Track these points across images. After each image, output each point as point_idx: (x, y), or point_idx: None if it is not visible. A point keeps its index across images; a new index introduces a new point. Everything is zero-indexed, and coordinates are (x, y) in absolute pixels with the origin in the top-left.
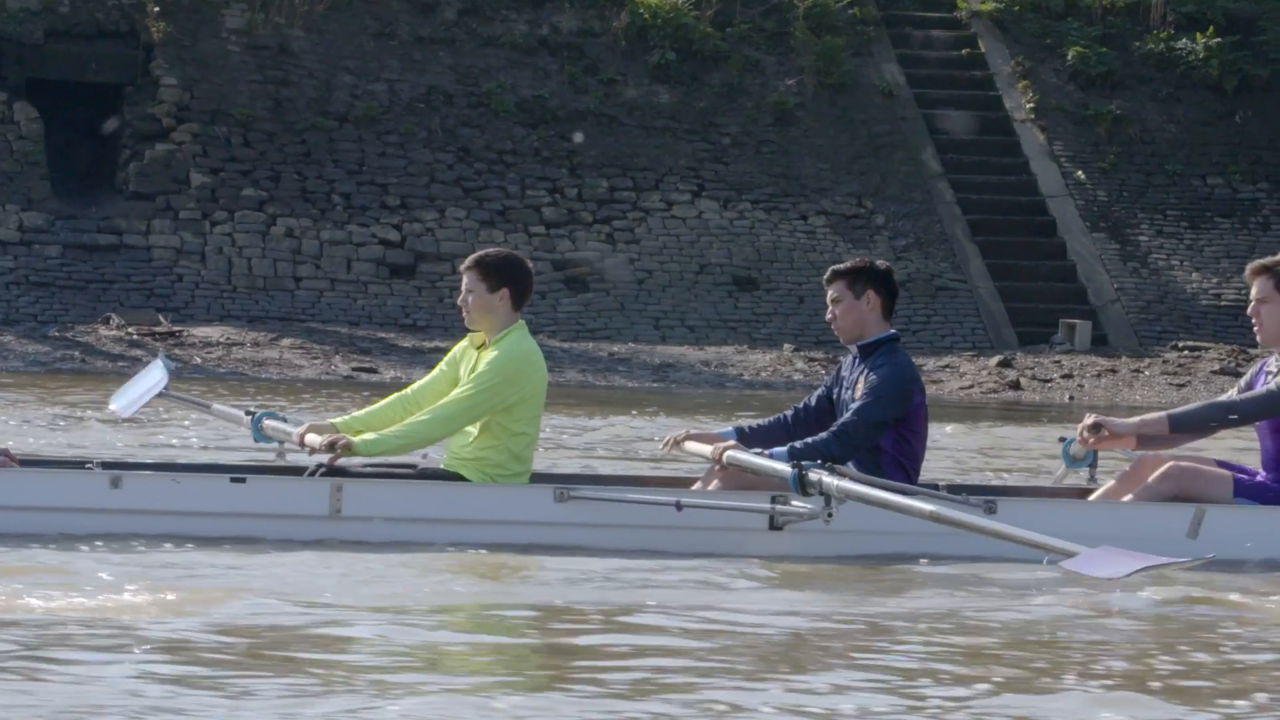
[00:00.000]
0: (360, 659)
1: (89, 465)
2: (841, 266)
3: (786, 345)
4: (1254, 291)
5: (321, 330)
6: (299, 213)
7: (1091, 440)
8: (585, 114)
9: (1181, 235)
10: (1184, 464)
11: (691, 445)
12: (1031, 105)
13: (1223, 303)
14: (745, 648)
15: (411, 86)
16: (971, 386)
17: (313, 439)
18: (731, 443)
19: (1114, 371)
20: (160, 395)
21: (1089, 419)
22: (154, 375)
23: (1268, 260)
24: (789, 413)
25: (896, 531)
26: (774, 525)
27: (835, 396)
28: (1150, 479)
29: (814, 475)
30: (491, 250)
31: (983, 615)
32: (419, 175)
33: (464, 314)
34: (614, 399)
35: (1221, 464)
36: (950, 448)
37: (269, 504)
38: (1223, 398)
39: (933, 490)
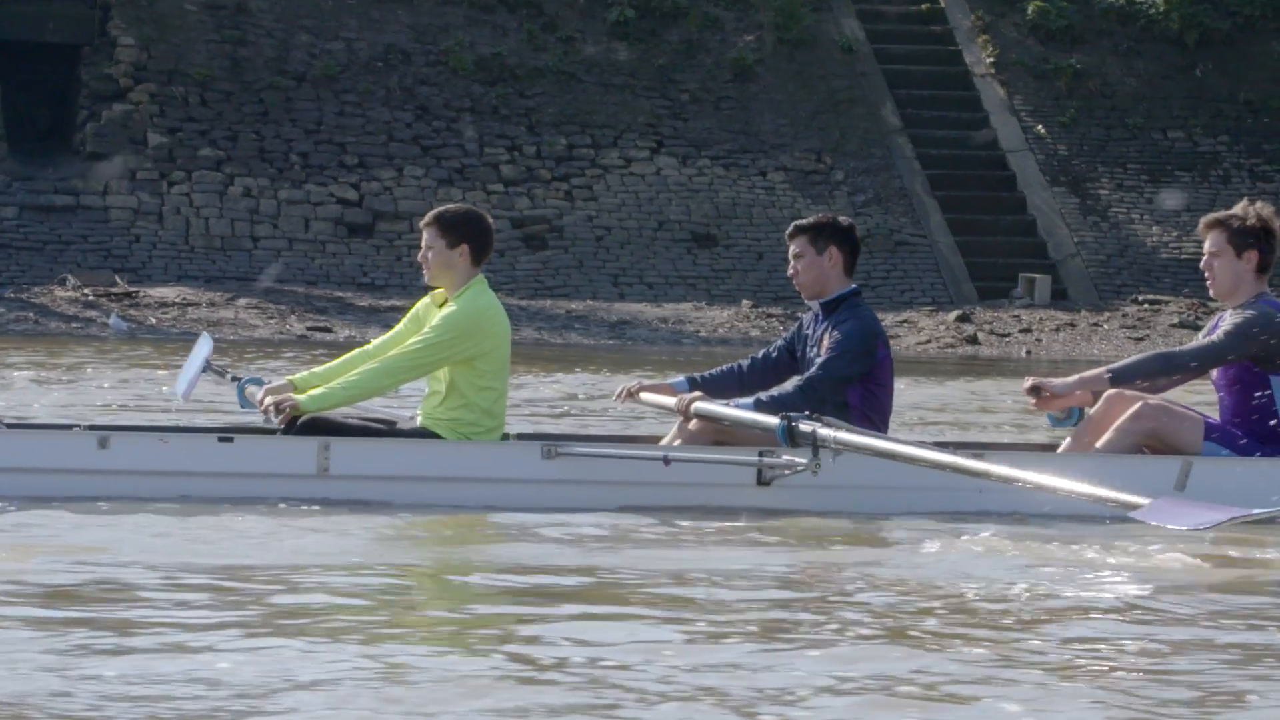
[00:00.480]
0: (346, 617)
1: (75, 427)
2: (804, 222)
3: (745, 301)
4: (1207, 245)
5: (278, 290)
6: (256, 172)
7: (1035, 402)
8: (544, 71)
9: (1142, 189)
10: (1154, 402)
11: (649, 397)
12: (991, 60)
13: (1183, 255)
14: (733, 605)
15: (369, 45)
16: (929, 341)
17: (268, 401)
18: (698, 394)
19: (1072, 325)
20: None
21: (1027, 381)
22: (202, 349)
23: (1220, 214)
24: (744, 363)
25: (886, 486)
26: (761, 480)
27: (799, 354)
28: (1122, 419)
29: (805, 426)
30: (451, 206)
31: (974, 571)
32: (377, 134)
33: (424, 270)
34: (567, 357)
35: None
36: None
37: (256, 463)
38: (1165, 350)
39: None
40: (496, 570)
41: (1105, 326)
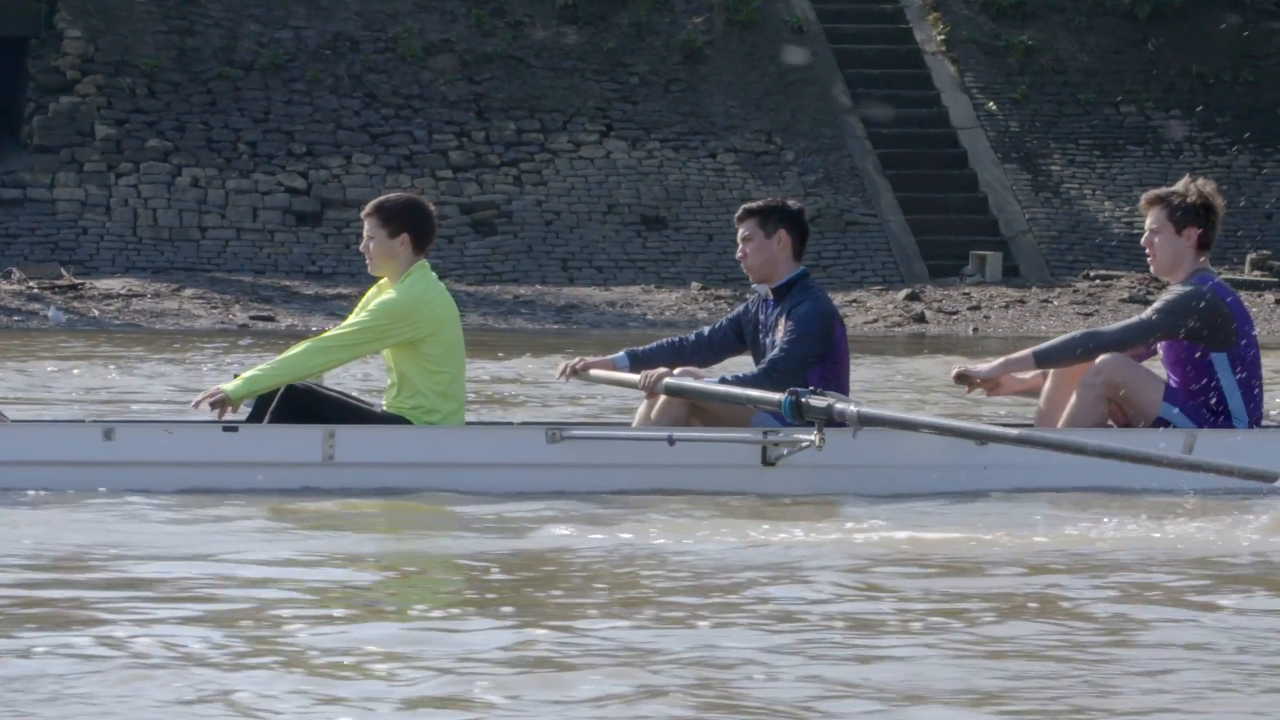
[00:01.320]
0: (352, 602)
1: (81, 421)
2: (753, 205)
3: (694, 284)
4: (1148, 222)
5: (225, 280)
6: (204, 163)
7: (968, 390)
8: (493, 56)
9: (1094, 164)
10: (1115, 357)
11: (600, 373)
12: (942, 37)
13: (1135, 230)
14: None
15: (318, 33)
16: (876, 320)
17: (197, 399)
18: (664, 370)
19: (1022, 302)
20: None
21: (954, 370)
22: None
23: (1162, 191)
24: (685, 338)
25: (891, 464)
26: (766, 460)
27: (749, 338)
28: (1085, 374)
29: (817, 401)
30: (391, 195)
31: (987, 551)
32: (325, 122)
33: (367, 261)
34: (507, 343)
35: None
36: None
37: (262, 452)
38: (1092, 329)
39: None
40: (502, 555)
41: (1055, 303)
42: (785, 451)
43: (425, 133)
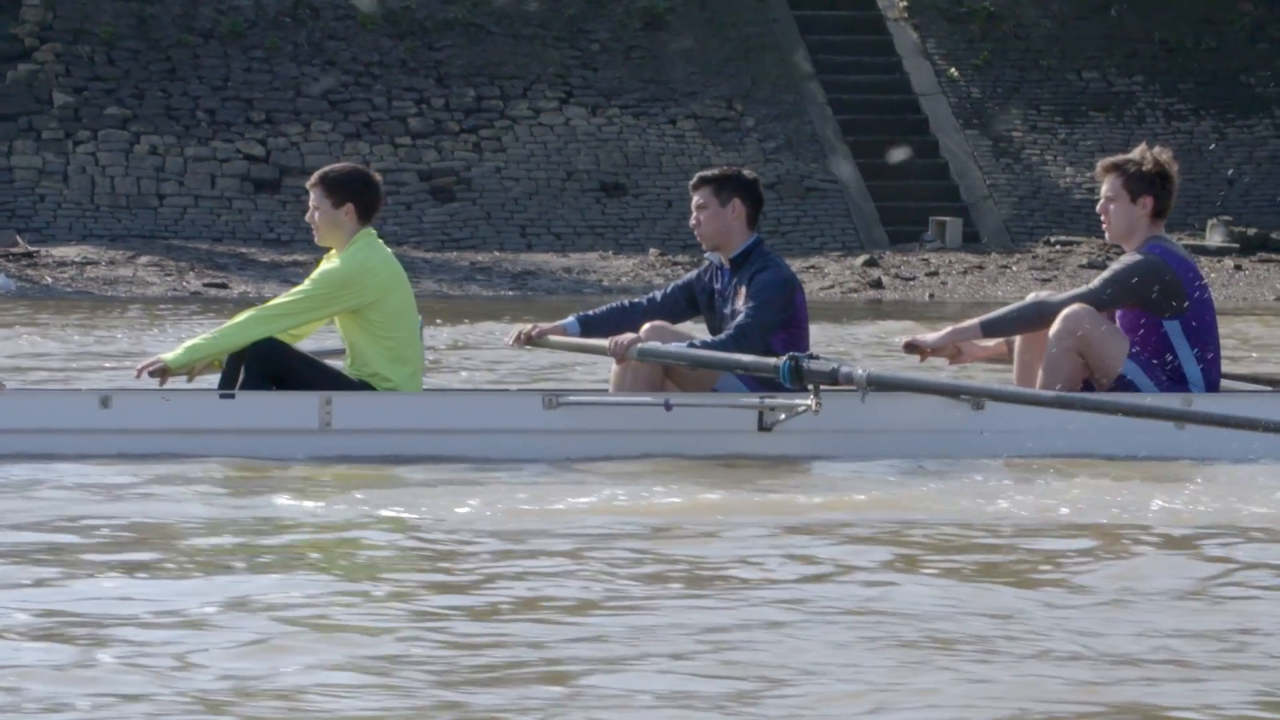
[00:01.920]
0: (352, 570)
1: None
2: (709, 173)
3: (652, 250)
4: (1104, 189)
5: (182, 247)
6: (163, 130)
7: (920, 359)
8: (453, 23)
9: (1055, 130)
10: (1080, 308)
11: (559, 339)
12: (905, 3)
13: (1096, 196)
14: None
15: (278, 0)
16: (832, 286)
17: (139, 367)
18: (636, 335)
19: (981, 268)
20: None
21: (903, 340)
22: None
23: (1118, 158)
24: (640, 302)
25: (888, 429)
26: (763, 425)
27: (705, 307)
28: (1054, 328)
29: (818, 365)
30: (336, 165)
31: (980, 516)
32: (284, 89)
33: (314, 231)
34: (458, 310)
35: None
36: None
37: (259, 419)
38: (1040, 298)
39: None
40: (498, 521)
41: (1014, 269)
42: (782, 417)
43: (385, 100)
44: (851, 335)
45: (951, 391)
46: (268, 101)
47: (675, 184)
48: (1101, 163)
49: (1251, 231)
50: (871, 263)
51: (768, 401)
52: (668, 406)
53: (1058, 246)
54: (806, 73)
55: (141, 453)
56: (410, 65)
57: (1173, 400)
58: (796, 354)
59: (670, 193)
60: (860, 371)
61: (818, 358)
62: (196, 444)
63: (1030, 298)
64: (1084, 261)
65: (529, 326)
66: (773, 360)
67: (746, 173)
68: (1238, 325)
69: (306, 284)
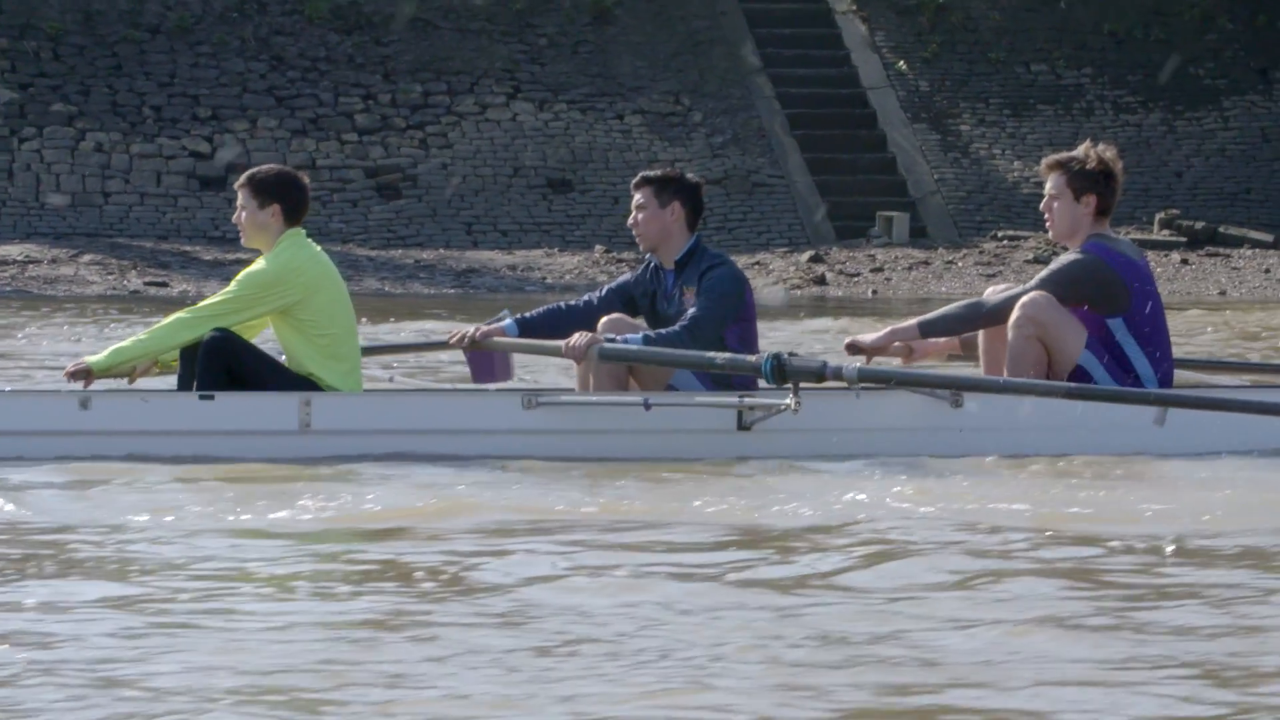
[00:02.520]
0: (330, 571)
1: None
2: (651, 173)
3: (598, 247)
4: (1048, 187)
5: (126, 245)
6: (109, 127)
7: (866, 361)
8: (400, 19)
9: (1004, 124)
10: (1039, 296)
11: (507, 340)
12: None
13: (1044, 191)
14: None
15: None
16: (776, 283)
17: (67, 369)
18: (595, 335)
19: (927, 264)
20: None
21: (845, 342)
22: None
23: (1062, 156)
24: (576, 304)
25: (867, 428)
26: (742, 425)
27: (650, 309)
28: (1013, 317)
29: (802, 363)
30: (264, 167)
31: (961, 516)
32: (231, 85)
33: (240, 233)
34: (395, 308)
35: None
36: None
37: (238, 420)
38: (977, 299)
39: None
40: (479, 522)
41: (960, 264)
42: (761, 416)
43: (331, 96)
44: (776, 330)
45: (945, 384)
46: (214, 98)
47: (622, 180)
48: (1045, 160)
49: (1199, 225)
50: (817, 259)
51: (747, 401)
52: (647, 406)
53: (1005, 241)
54: (754, 66)
55: (120, 454)
56: (358, 61)
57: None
58: (779, 351)
59: (617, 189)
60: (850, 367)
61: (798, 355)
62: (175, 445)
63: (967, 299)
64: (1030, 257)
65: (471, 329)
66: (753, 358)
67: (690, 176)
68: (1177, 321)
69: (232, 285)
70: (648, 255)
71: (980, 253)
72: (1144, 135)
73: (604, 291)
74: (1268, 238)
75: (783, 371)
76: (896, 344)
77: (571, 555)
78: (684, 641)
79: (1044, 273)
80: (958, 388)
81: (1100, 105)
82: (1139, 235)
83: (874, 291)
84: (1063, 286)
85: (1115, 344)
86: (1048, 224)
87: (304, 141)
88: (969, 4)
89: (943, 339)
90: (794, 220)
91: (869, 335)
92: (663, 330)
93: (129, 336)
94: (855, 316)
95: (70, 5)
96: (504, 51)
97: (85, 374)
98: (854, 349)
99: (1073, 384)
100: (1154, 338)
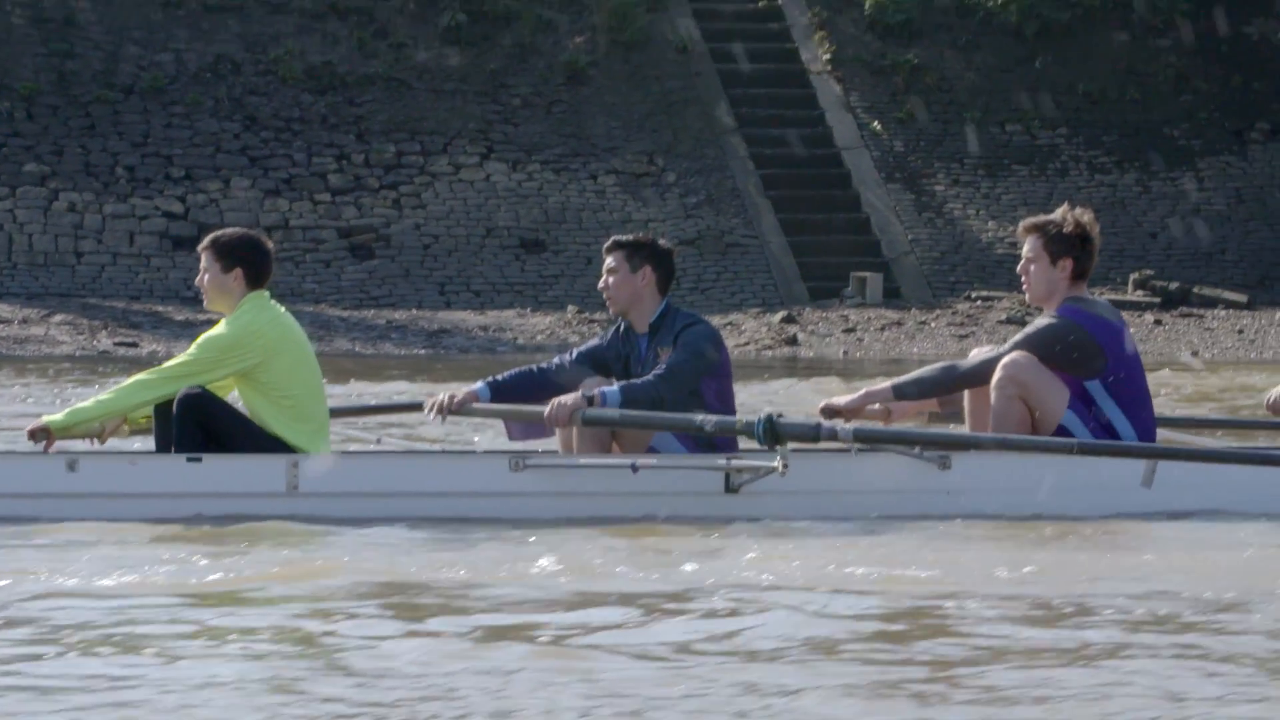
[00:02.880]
0: (316, 633)
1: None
2: (623, 238)
3: (571, 307)
4: (1025, 250)
5: (97, 305)
6: (82, 187)
7: (845, 422)
8: (374, 78)
9: (978, 184)
10: (1020, 357)
11: (486, 406)
12: (828, 56)
13: (1018, 251)
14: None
15: (199, 56)
16: (748, 344)
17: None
18: (580, 400)
19: (899, 324)
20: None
21: (820, 405)
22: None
23: (1039, 219)
24: (549, 366)
25: (855, 490)
26: (730, 487)
27: (623, 372)
28: (996, 377)
29: (795, 423)
30: (227, 230)
31: (953, 577)
32: (204, 145)
33: (203, 295)
34: (364, 368)
35: None
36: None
37: (225, 483)
38: (951, 362)
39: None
40: (466, 584)
41: (933, 325)
42: (749, 478)
43: (305, 155)
44: (760, 392)
45: (941, 444)
46: (187, 157)
47: (595, 240)
48: (1023, 223)
49: (1173, 286)
50: (789, 319)
51: (734, 463)
52: (635, 468)
53: (978, 302)
54: (729, 127)
55: (107, 516)
56: (331, 121)
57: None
58: (771, 412)
59: (590, 249)
60: (845, 428)
61: (788, 417)
62: (163, 507)
63: (942, 363)
64: (1003, 317)
65: (443, 397)
66: (743, 420)
67: (661, 242)
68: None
69: (192, 349)
70: (618, 319)
71: (953, 313)
72: (1119, 195)
73: (574, 354)
74: (1242, 298)
75: (775, 433)
76: (874, 406)
77: (553, 622)
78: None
79: (1018, 337)
80: (954, 447)
81: (1075, 165)
82: (1113, 295)
83: (845, 352)
84: (1038, 349)
85: (1095, 405)
86: (1024, 286)
87: (277, 201)
88: (944, 64)
89: (915, 402)
90: (767, 280)
91: (843, 398)
92: (635, 380)
93: (90, 397)
94: (821, 376)
95: (44, 65)
96: (477, 111)
97: (45, 434)
98: (829, 411)
99: (1075, 440)
100: (1133, 398)
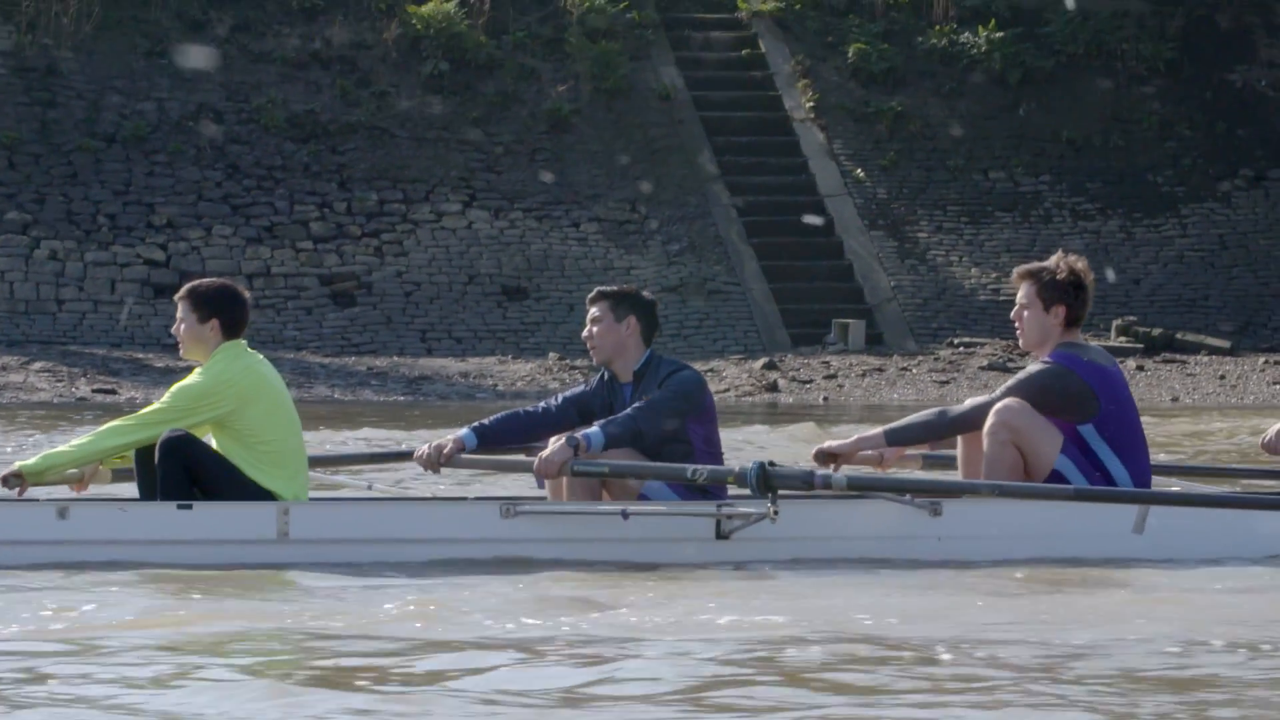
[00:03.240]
0: (307, 678)
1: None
2: (608, 289)
3: (552, 354)
4: (1019, 296)
5: (78, 353)
6: (63, 235)
7: (834, 468)
8: (357, 127)
9: (961, 231)
10: (1012, 404)
11: (476, 457)
12: (811, 104)
13: (1001, 297)
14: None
15: (181, 105)
16: (729, 390)
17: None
18: (562, 447)
19: (881, 370)
20: None
21: (814, 450)
22: None
23: (1033, 266)
24: (535, 410)
25: (845, 536)
26: (720, 533)
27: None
28: (988, 424)
29: (789, 470)
30: (205, 280)
31: (943, 617)
32: (186, 194)
33: (179, 345)
34: (340, 416)
35: None
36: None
37: (216, 530)
38: (944, 408)
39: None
40: (457, 632)
41: (914, 371)
42: (739, 524)
43: (287, 204)
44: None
45: (933, 491)
46: (169, 205)
47: (578, 287)
48: (1017, 270)
49: (1156, 332)
50: (771, 365)
51: (725, 510)
52: (625, 515)
53: (960, 348)
54: (712, 174)
55: (98, 562)
56: (313, 169)
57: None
58: (763, 461)
59: (572, 296)
60: (839, 476)
61: (780, 465)
62: (153, 554)
63: (935, 409)
64: (984, 363)
65: (429, 449)
66: (735, 467)
67: (646, 294)
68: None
69: (166, 397)
70: (601, 368)
71: (935, 359)
72: (1102, 242)
73: (560, 400)
74: (1225, 344)
75: (768, 481)
76: (868, 451)
77: (544, 664)
78: None
79: (1011, 382)
80: (947, 494)
81: (1059, 212)
82: (1095, 342)
83: (826, 398)
84: (1031, 395)
85: (1089, 449)
86: (1018, 333)
87: (259, 249)
88: (927, 112)
89: (910, 447)
90: (750, 327)
91: (837, 442)
92: (614, 417)
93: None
94: (797, 423)
95: (26, 114)
96: (460, 159)
97: (18, 479)
98: (823, 455)
99: (1071, 486)
100: (1128, 442)
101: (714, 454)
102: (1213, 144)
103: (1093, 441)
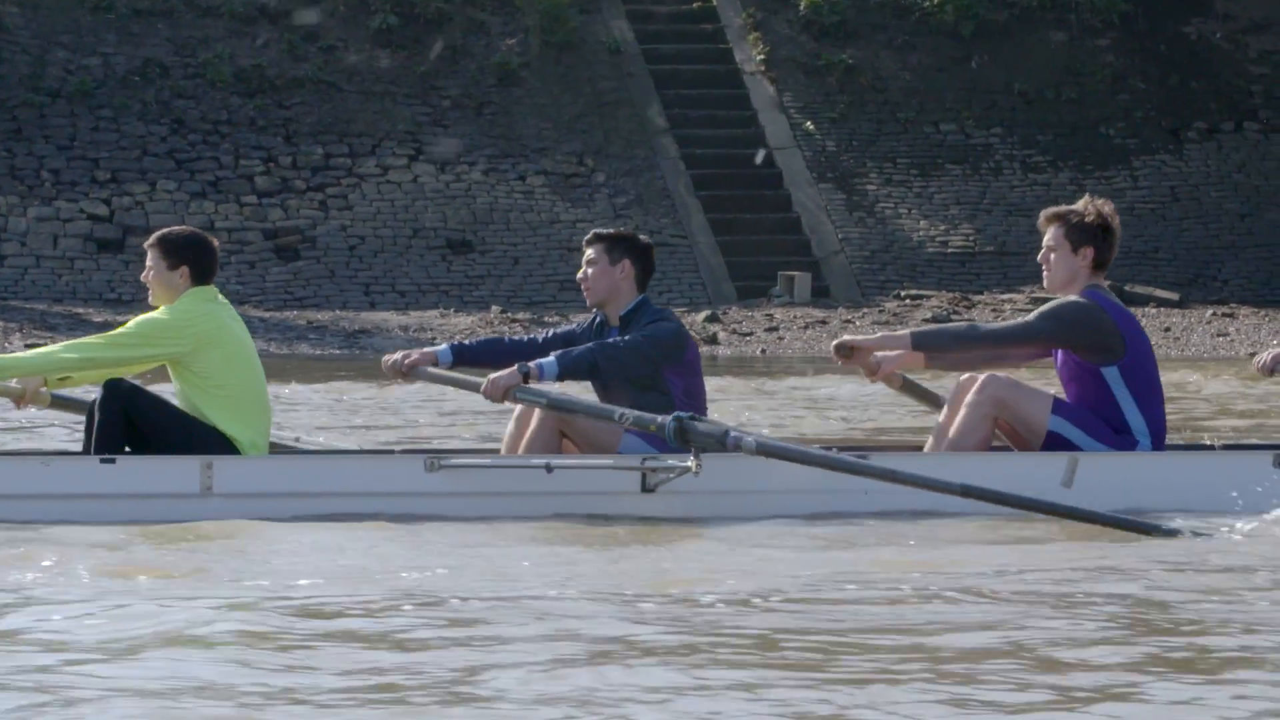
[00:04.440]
0: (228, 636)
1: None
2: (605, 231)
3: (494, 307)
4: (1045, 239)
5: (18, 308)
6: (6, 190)
7: (842, 360)
8: (304, 81)
9: (911, 183)
10: (999, 376)
11: (435, 372)
12: (762, 57)
13: (950, 250)
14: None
15: (127, 59)
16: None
17: None
18: (512, 372)
19: (824, 323)
20: None
21: (835, 341)
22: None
23: (1061, 209)
24: (520, 339)
25: (771, 490)
26: (646, 487)
27: None
28: (969, 394)
29: (704, 427)
30: (174, 228)
31: (869, 575)
32: (131, 149)
33: (149, 291)
34: (268, 370)
35: None
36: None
37: (139, 484)
38: (975, 322)
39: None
40: (379, 585)
41: (858, 323)
42: (664, 478)
43: (232, 158)
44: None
45: (832, 465)
46: (114, 161)
47: (523, 240)
48: (1044, 213)
49: (1106, 283)
50: (713, 318)
51: (650, 463)
52: (549, 469)
53: (906, 300)
54: (660, 128)
55: (19, 519)
56: (259, 123)
57: (1055, 464)
58: (682, 414)
59: (517, 250)
60: (749, 439)
61: (702, 419)
62: (75, 509)
63: (965, 321)
64: (929, 315)
65: (399, 356)
66: (658, 418)
67: (643, 238)
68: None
69: (130, 324)
70: (595, 311)
71: (880, 311)
72: (1053, 195)
73: (550, 334)
74: (1174, 296)
75: (684, 434)
76: (889, 352)
77: (460, 622)
78: None
79: (1044, 308)
80: (849, 472)
81: (1009, 165)
82: (1042, 295)
83: (763, 351)
84: (1061, 323)
85: (1108, 395)
86: (1045, 274)
87: (203, 204)
88: (878, 64)
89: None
90: (695, 280)
91: (859, 337)
92: (570, 350)
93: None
94: (719, 376)
95: None
96: (407, 114)
97: None
98: (844, 348)
99: (958, 482)
100: (1148, 391)
101: (696, 406)
102: (1166, 97)
103: (1114, 385)
